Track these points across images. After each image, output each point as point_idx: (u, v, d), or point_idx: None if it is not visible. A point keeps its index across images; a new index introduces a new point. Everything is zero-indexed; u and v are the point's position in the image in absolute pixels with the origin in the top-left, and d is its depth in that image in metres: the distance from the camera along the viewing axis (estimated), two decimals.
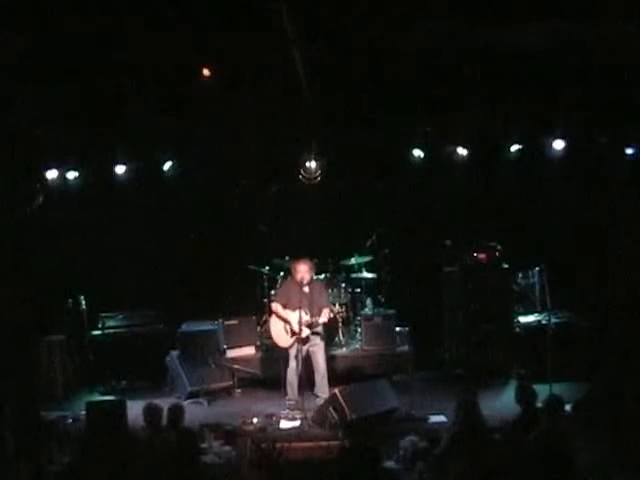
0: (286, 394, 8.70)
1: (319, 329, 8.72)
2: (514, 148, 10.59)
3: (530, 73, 9.23)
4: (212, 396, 9.36)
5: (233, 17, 8.07)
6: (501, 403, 8.26)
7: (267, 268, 10.58)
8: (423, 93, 9.52)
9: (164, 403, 6.97)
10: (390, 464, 6.59)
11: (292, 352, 8.68)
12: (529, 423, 6.00)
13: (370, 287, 10.57)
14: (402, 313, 10.13)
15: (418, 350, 9.39)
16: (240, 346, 10.09)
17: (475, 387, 8.56)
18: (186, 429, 6.60)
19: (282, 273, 10.19)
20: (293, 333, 8.58)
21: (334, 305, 9.97)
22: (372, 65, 9.06)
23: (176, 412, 6.64)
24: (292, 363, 8.69)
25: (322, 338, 8.82)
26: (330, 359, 9.70)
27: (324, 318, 8.61)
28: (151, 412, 6.66)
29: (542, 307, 9.52)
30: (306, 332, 8.57)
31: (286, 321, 8.68)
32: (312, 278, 8.85)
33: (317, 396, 8.70)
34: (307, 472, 6.55)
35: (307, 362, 8.72)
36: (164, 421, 6.59)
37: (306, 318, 8.52)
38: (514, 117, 10.09)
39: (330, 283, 10.28)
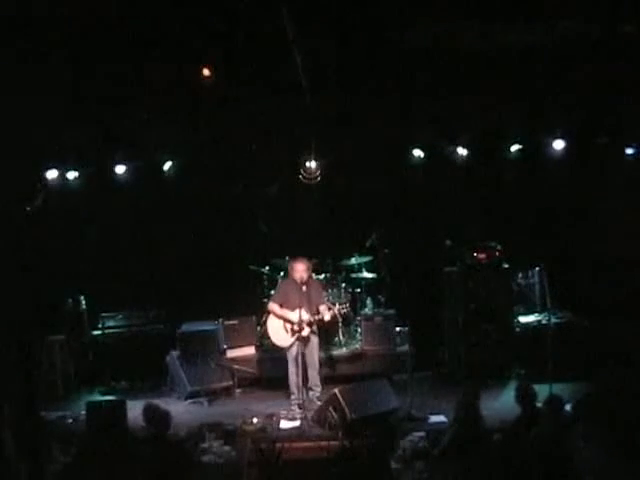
0: (292, 393, 8.73)
1: (314, 327, 8.76)
2: (514, 148, 10.58)
3: (530, 73, 9.24)
4: (212, 396, 9.36)
5: (234, 17, 8.08)
6: (501, 403, 8.27)
7: (267, 268, 10.59)
8: (423, 93, 9.53)
9: (164, 403, 6.97)
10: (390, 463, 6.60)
11: (292, 353, 8.70)
12: (529, 423, 6.00)
13: (370, 287, 10.57)
14: (402, 313, 10.12)
15: (418, 350, 9.39)
16: (240, 346, 10.10)
17: (475, 387, 8.57)
18: (173, 440, 6.52)
19: (282, 273, 10.20)
20: (294, 332, 8.59)
21: (334, 305, 9.97)
22: (372, 65, 9.06)
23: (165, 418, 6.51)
24: (293, 366, 8.70)
25: (316, 334, 8.86)
26: (330, 359, 9.74)
27: (328, 316, 8.67)
28: (151, 412, 6.64)
29: (542, 307, 9.52)
30: (307, 331, 8.60)
31: (286, 320, 8.69)
32: (309, 277, 8.87)
33: (311, 389, 8.77)
34: (307, 472, 6.55)
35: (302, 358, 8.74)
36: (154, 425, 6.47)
37: (306, 317, 8.55)
38: (514, 117, 10.09)
39: (330, 283, 10.29)
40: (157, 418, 6.30)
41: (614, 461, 5.11)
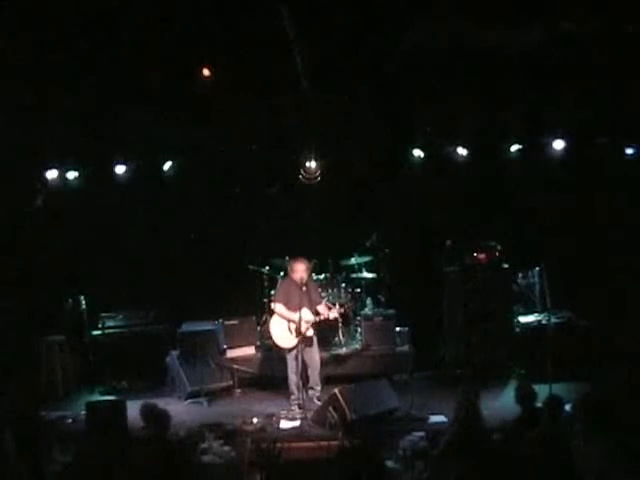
0: (292, 393, 8.73)
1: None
2: (514, 148, 10.58)
3: (530, 73, 9.24)
4: (212, 396, 9.36)
5: (233, 17, 8.08)
6: (501, 403, 8.26)
7: (267, 268, 10.59)
8: (423, 93, 9.53)
9: (164, 403, 6.96)
10: (390, 464, 6.60)
11: (292, 353, 8.69)
12: (529, 423, 6.00)
13: (370, 287, 10.57)
14: (402, 313, 10.13)
15: (418, 350, 9.38)
16: (240, 346, 10.10)
17: (475, 387, 8.56)
18: (173, 440, 6.50)
19: (282, 273, 10.20)
20: (299, 333, 8.58)
21: (334, 305, 9.97)
22: (372, 65, 9.06)
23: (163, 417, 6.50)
24: (293, 366, 8.70)
25: (315, 333, 8.88)
26: (330, 359, 9.74)
27: (333, 314, 8.67)
28: (148, 411, 6.62)
29: (542, 307, 9.51)
30: (311, 331, 8.61)
31: (290, 321, 8.68)
32: (309, 277, 8.88)
33: (311, 389, 8.79)
34: (307, 472, 6.55)
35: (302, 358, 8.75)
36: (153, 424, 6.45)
37: (310, 317, 8.56)
38: (514, 117, 10.09)
39: (330, 283, 10.29)
40: (154, 417, 6.28)
41: (614, 461, 5.10)
